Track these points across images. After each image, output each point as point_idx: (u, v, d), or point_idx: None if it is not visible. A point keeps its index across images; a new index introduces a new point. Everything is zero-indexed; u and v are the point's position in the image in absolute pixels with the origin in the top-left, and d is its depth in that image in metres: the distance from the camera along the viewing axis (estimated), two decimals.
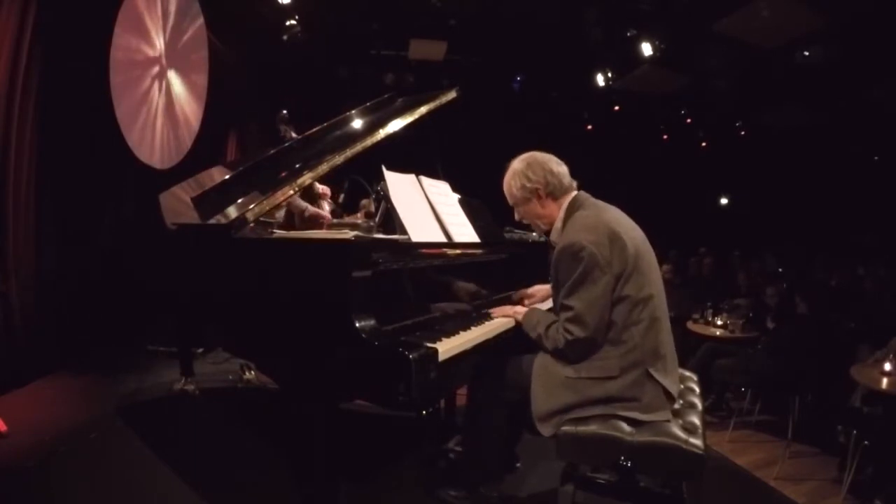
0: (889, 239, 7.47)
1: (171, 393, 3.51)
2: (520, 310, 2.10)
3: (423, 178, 2.35)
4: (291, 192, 2.11)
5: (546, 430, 1.79)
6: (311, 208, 3.36)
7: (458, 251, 2.23)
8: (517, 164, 1.99)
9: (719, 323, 4.56)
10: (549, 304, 2.41)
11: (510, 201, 2.05)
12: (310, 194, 3.72)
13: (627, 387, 1.74)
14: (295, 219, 3.51)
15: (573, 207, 1.93)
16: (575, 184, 1.99)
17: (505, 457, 2.48)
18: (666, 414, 1.77)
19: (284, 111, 3.68)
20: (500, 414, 1.99)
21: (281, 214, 3.47)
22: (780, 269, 6.62)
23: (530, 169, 1.95)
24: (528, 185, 1.94)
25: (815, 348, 3.61)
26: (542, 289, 2.45)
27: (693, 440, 1.69)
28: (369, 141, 2.27)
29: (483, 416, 2.03)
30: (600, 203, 1.95)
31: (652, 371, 1.75)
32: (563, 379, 1.79)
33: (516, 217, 2.08)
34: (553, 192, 1.94)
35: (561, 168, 1.97)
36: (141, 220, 4.33)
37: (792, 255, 7.47)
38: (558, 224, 1.95)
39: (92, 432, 2.82)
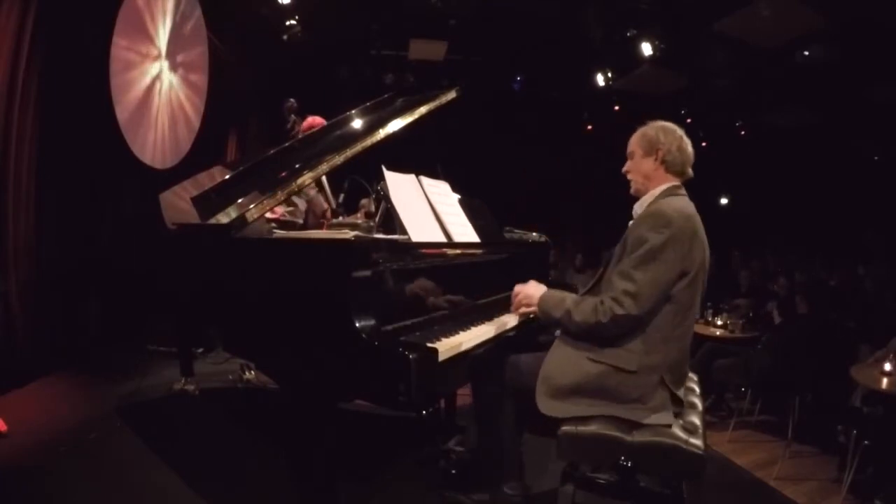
0: (889, 238, 7.46)
1: (171, 393, 3.51)
2: (534, 292, 1.99)
3: (423, 178, 2.35)
4: (290, 193, 2.11)
5: (546, 405, 1.77)
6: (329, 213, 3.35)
7: (458, 251, 2.23)
8: (658, 123, 1.98)
9: (719, 323, 4.56)
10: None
11: (630, 147, 2.00)
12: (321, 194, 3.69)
13: (639, 387, 1.72)
14: (309, 217, 3.50)
15: (670, 192, 1.89)
16: (689, 175, 1.97)
17: (518, 455, 2.47)
18: (668, 417, 1.76)
19: (292, 100, 3.63)
20: (509, 412, 1.98)
21: (301, 211, 3.46)
22: (780, 269, 6.61)
23: (666, 131, 1.94)
24: (655, 142, 1.92)
25: (815, 348, 3.61)
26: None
27: (693, 440, 1.69)
28: (369, 141, 2.27)
29: (495, 415, 2.02)
30: (692, 204, 1.92)
31: (667, 380, 1.75)
32: (583, 358, 1.76)
33: (624, 168, 2.01)
34: (669, 163, 1.91)
35: (690, 150, 1.96)
36: (141, 219, 4.33)
37: (792, 255, 7.46)
38: (649, 198, 1.92)
39: (92, 432, 2.82)
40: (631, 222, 1.87)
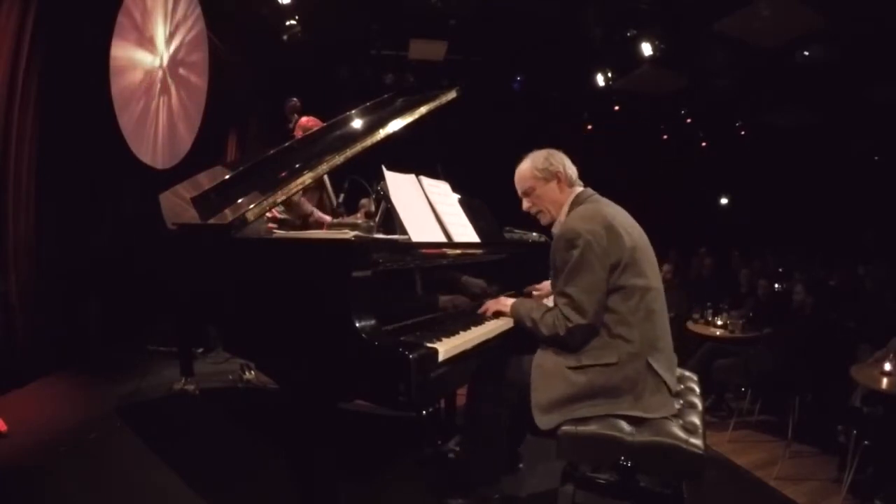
0: (889, 238, 7.46)
1: (171, 393, 3.51)
2: (506, 301, 2.10)
3: (423, 178, 2.35)
4: (290, 193, 2.11)
5: (545, 422, 1.78)
6: (318, 213, 3.35)
7: (458, 251, 2.23)
8: (536, 152, 2.08)
9: (719, 323, 4.57)
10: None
11: (523, 186, 2.08)
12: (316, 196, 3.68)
13: (629, 377, 1.75)
14: (297, 220, 3.49)
15: (577, 201, 2.00)
16: (581, 184, 2.08)
17: (507, 458, 2.48)
18: (669, 409, 1.77)
19: (295, 99, 3.62)
20: (501, 414, 1.98)
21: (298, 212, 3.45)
22: (780, 269, 6.63)
23: (552, 156, 2.05)
24: (551, 167, 2.02)
25: (815, 348, 3.61)
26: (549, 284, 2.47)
27: (693, 440, 1.69)
28: (369, 141, 2.27)
29: (483, 417, 2.03)
30: (602, 199, 2.01)
31: (651, 362, 1.77)
32: (564, 369, 1.80)
33: (524, 207, 2.11)
34: (567, 180, 2.04)
35: (573, 166, 2.09)
36: (141, 220, 4.33)
37: (792, 255, 7.46)
38: (561, 216, 2.02)
39: (92, 432, 2.82)
40: (551, 247, 1.93)
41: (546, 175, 2.03)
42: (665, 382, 1.79)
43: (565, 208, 2.02)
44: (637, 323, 1.79)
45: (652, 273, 1.88)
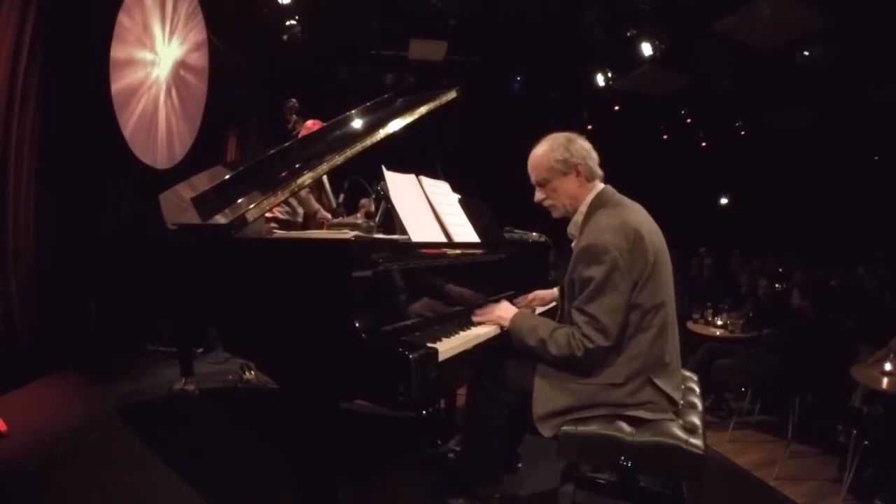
0: (889, 238, 7.46)
1: (171, 393, 3.51)
2: (504, 314, 2.00)
3: (423, 178, 2.35)
4: (290, 193, 2.11)
5: (546, 430, 1.79)
6: (323, 211, 3.36)
7: (458, 251, 2.23)
8: (558, 136, 1.91)
9: (719, 323, 4.56)
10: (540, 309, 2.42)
11: (538, 176, 1.94)
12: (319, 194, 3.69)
13: (630, 394, 1.74)
14: (303, 218, 3.49)
15: (598, 203, 1.87)
16: (602, 175, 1.94)
17: (506, 458, 2.48)
18: (668, 416, 1.77)
19: (293, 100, 3.63)
20: (500, 415, 1.98)
21: (299, 211, 3.45)
22: (780, 270, 6.63)
23: (573, 144, 1.89)
24: (571, 159, 1.87)
25: (815, 348, 3.61)
26: (541, 294, 2.44)
27: (693, 440, 1.69)
28: (369, 141, 2.27)
29: (483, 418, 2.03)
30: (625, 201, 1.90)
31: (655, 379, 1.75)
32: (568, 384, 1.78)
33: (536, 198, 1.98)
34: (588, 174, 1.90)
35: (595, 155, 1.93)
36: (141, 220, 4.33)
37: (791, 255, 7.46)
38: (578, 217, 1.90)
39: (92, 432, 2.82)
40: (572, 257, 1.83)
41: (564, 167, 1.87)
42: (668, 395, 1.77)
43: (583, 207, 1.89)
44: (647, 341, 1.74)
45: (668, 285, 1.81)
